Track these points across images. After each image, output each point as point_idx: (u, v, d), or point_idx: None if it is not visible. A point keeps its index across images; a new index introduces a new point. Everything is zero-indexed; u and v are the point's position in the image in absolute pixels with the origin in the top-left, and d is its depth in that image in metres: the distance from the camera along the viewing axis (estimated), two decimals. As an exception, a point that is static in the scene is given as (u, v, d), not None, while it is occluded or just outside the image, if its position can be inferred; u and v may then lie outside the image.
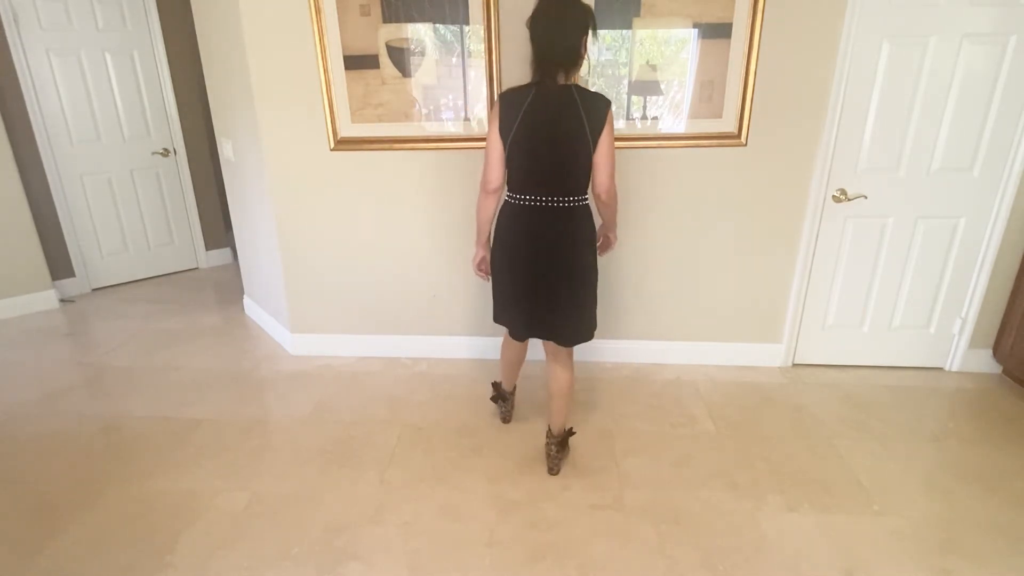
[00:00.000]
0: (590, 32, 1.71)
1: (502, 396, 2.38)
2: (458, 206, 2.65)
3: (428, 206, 2.68)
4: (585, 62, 1.75)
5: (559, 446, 2.10)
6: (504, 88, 1.99)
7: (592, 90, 1.76)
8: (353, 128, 2.56)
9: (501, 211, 1.91)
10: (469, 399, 2.59)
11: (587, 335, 1.96)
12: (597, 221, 1.99)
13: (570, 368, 2.02)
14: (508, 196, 1.87)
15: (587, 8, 1.70)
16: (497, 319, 2.08)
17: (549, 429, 2.12)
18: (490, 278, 2.05)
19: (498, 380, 2.43)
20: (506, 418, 2.40)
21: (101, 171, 3.81)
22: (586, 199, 1.84)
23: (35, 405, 2.59)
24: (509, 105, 1.75)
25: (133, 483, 2.09)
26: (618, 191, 2.55)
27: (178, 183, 4.15)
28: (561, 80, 1.71)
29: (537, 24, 1.68)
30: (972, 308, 2.63)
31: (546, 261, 1.84)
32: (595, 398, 2.59)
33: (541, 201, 1.79)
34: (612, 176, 1.79)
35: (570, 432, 2.15)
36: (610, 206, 1.88)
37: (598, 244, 2.01)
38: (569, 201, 1.79)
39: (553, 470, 2.10)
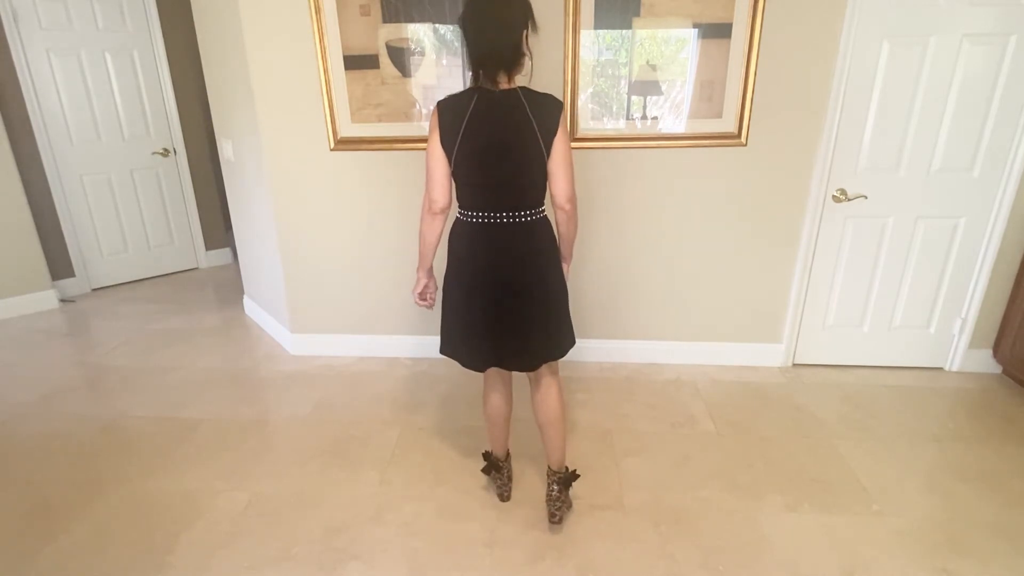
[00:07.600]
0: (529, 26, 1.54)
1: (495, 466, 1.99)
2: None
3: (428, 206, 2.68)
4: (528, 61, 1.58)
5: (562, 485, 1.83)
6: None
7: (541, 91, 1.60)
8: (353, 128, 2.56)
9: (453, 229, 1.72)
10: (469, 399, 2.59)
11: (562, 351, 1.75)
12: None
13: (556, 387, 1.80)
14: (460, 213, 1.69)
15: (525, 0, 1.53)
16: (445, 350, 1.80)
17: (548, 467, 1.88)
18: (437, 305, 1.83)
19: (488, 448, 2.04)
20: (503, 494, 1.98)
21: (101, 171, 3.82)
22: (544, 211, 1.67)
23: (35, 405, 2.59)
24: (449, 114, 1.56)
25: (133, 483, 2.09)
26: (615, 192, 2.58)
27: (178, 183, 4.15)
28: (504, 83, 1.54)
29: (471, 22, 1.50)
30: (972, 308, 2.63)
31: (510, 284, 1.65)
32: (595, 398, 2.58)
33: (497, 218, 1.61)
34: (572, 182, 1.61)
35: (573, 474, 1.88)
36: (573, 217, 1.68)
37: None
38: (527, 215, 1.62)
39: (555, 517, 1.84)
